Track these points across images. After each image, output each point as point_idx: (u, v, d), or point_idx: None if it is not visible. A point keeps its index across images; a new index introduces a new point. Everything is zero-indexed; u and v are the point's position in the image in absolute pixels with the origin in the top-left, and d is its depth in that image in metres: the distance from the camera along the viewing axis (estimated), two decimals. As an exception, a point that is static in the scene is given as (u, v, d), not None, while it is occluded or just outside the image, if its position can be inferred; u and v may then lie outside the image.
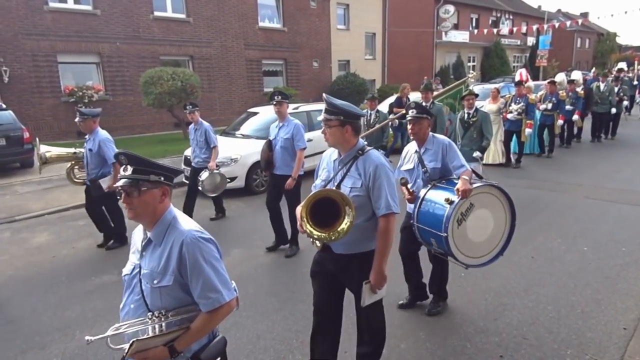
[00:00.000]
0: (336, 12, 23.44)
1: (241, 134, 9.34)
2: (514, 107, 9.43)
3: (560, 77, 13.49)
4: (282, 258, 5.37)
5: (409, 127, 3.76)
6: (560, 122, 10.81)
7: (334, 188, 2.60)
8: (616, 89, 12.61)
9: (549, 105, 10.37)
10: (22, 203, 7.83)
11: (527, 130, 9.56)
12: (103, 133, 5.53)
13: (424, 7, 29.65)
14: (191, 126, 6.77)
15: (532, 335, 3.56)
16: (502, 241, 3.60)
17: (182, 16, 16.71)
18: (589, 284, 4.40)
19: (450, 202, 3.38)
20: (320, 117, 2.67)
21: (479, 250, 3.52)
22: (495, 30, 30.23)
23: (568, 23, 30.61)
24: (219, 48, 17.81)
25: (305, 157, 8.55)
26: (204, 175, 6.51)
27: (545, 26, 27.53)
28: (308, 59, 21.29)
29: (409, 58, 29.24)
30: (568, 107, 11.22)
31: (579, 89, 12.05)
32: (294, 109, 9.53)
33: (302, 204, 2.50)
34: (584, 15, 49.57)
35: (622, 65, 19.84)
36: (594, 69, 19.30)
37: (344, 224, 2.43)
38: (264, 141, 9.25)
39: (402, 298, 4.12)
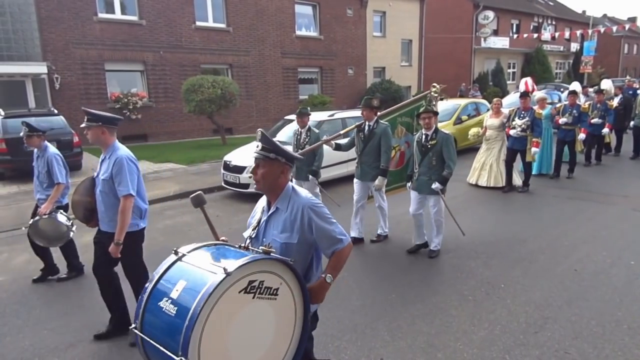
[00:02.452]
0: (372, 20, 23.48)
1: (278, 141, 9.46)
2: (517, 122, 8.13)
3: (577, 86, 12.89)
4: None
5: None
6: (582, 136, 9.47)
7: None
8: None
9: (570, 119, 9.17)
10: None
11: (534, 150, 8.19)
12: None
13: (463, 13, 29.28)
14: (35, 151, 4.94)
15: (574, 350, 3.46)
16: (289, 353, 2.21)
17: (223, 26, 17.20)
18: (636, 299, 4.23)
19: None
20: None
21: None
22: (535, 36, 29.45)
23: (614, 28, 29.43)
24: (257, 56, 18.20)
25: (336, 164, 8.62)
26: (42, 219, 4.66)
27: (590, 31, 26.60)
28: (343, 66, 21.43)
29: (446, 64, 28.92)
30: (595, 120, 10.17)
31: (616, 101, 11.23)
32: (328, 116, 9.63)
33: None
34: (632, 20, 47.76)
35: None
36: (628, 77, 18.25)
37: None
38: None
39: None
